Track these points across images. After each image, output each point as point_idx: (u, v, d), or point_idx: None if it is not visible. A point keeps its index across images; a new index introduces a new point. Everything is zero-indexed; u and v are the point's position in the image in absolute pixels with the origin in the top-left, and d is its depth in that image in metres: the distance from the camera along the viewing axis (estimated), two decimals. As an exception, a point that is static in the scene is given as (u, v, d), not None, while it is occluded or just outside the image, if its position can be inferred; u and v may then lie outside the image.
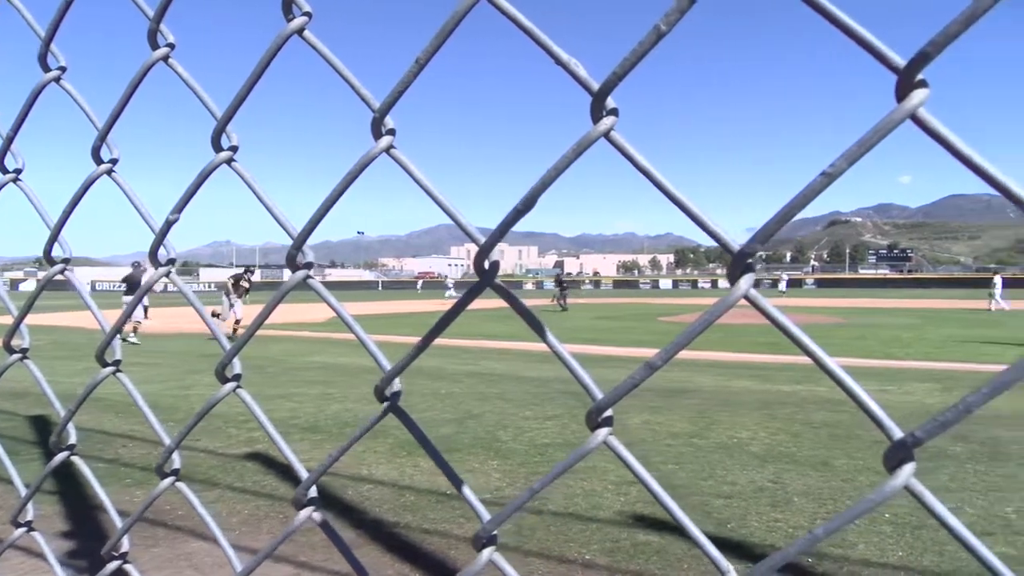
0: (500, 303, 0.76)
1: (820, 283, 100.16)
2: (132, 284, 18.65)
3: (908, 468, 0.54)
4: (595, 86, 0.64)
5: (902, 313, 32.14)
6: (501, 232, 0.71)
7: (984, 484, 5.48)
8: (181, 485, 1.09)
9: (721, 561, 0.66)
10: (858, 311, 34.51)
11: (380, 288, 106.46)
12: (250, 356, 14.35)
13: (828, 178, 0.54)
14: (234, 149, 0.94)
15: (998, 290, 33.35)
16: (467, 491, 0.79)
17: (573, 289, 52.31)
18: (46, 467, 1.27)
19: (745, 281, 0.59)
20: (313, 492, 0.91)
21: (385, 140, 0.78)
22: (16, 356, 1.29)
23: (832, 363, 0.57)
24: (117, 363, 1.13)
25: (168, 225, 1.02)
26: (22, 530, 1.34)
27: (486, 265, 0.72)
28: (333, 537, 0.91)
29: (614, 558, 4.20)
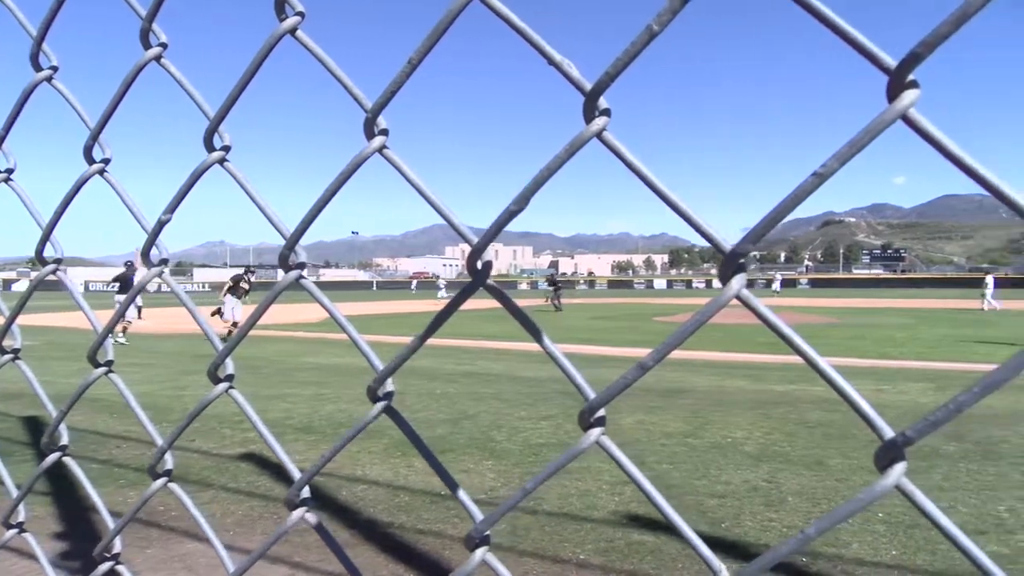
0: (496, 303, 0.76)
1: (814, 283, 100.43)
2: (124, 284, 18.59)
3: (899, 467, 0.54)
4: (588, 86, 0.64)
5: (896, 313, 32.25)
6: (494, 232, 0.71)
7: (977, 483, 5.50)
8: (174, 486, 1.08)
9: (713, 561, 0.66)
10: (852, 311, 34.62)
11: (375, 288, 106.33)
12: (244, 356, 14.32)
13: (819, 178, 0.54)
14: (227, 149, 0.94)
15: (990, 290, 33.50)
16: (460, 491, 0.79)
17: (567, 289, 52.30)
18: (38, 468, 1.27)
19: (737, 281, 0.59)
20: (306, 493, 0.91)
21: (378, 140, 0.78)
22: (8, 356, 1.28)
23: (823, 363, 0.57)
24: (109, 364, 1.12)
25: (160, 225, 1.02)
26: (13, 531, 1.33)
27: (479, 265, 0.72)
28: (326, 537, 0.91)
29: (608, 558, 4.21)
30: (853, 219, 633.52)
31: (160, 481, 1.08)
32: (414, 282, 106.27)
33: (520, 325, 0.74)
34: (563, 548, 4.36)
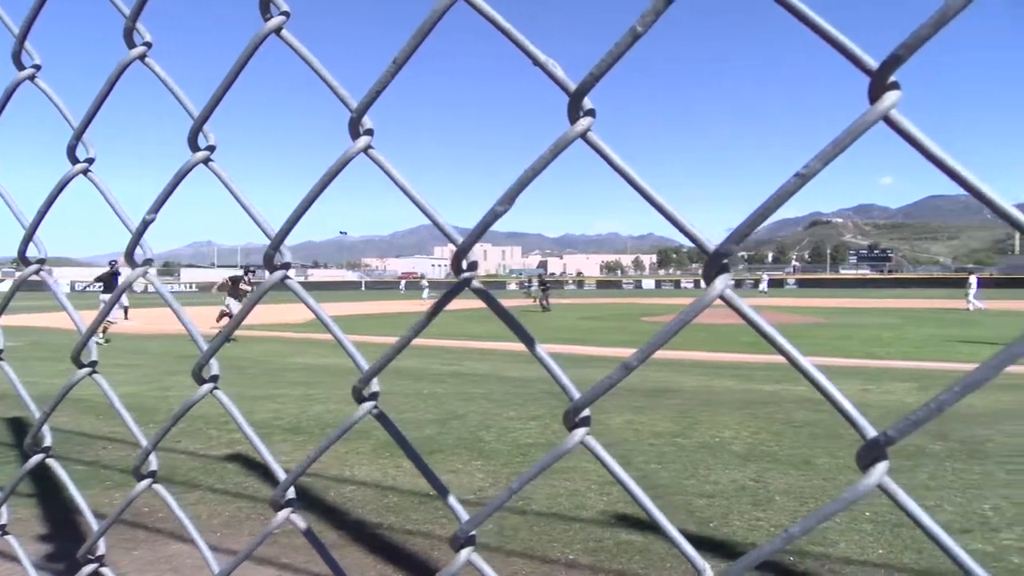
0: (480, 303, 0.76)
1: (801, 283, 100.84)
2: (108, 283, 18.47)
3: (881, 467, 0.55)
4: (572, 87, 0.64)
5: (882, 313, 32.45)
6: (479, 233, 0.71)
7: (962, 482, 5.54)
8: (159, 487, 1.08)
9: (697, 560, 0.66)
10: (839, 311, 34.79)
11: (363, 288, 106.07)
12: (232, 357, 14.27)
13: (802, 179, 0.54)
14: (211, 149, 0.94)
15: (973, 290, 33.75)
16: (445, 491, 0.79)
17: (555, 289, 52.33)
18: (20, 470, 1.26)
19: (721, 281, 0.60)
20: (291, 493, 0.91)
21: (363, 140, 0.78)
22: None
23: (806, 362, 0.58)
24: (93, 364, 1.12)
25: (144, 225, 1.01)
26: (-3, 534, 1.32)
27: (464, 265, 0.72)
28: (311, 538, 0.91)
29: (597, 557, 4.21)
30: (840, 219, 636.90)
31: (145, 482, 1.07)
32: (403, 282, 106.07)
33: (506, 326, 0.74)
34: (552, 548, 4.36)
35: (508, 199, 0.67)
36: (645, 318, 30.18)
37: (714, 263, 0.60)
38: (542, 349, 0.71)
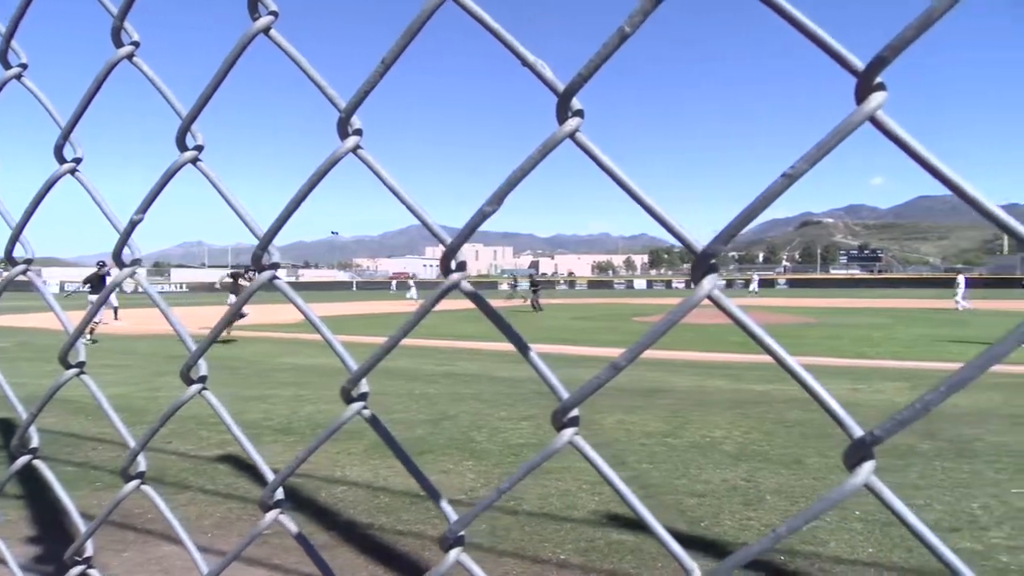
0: (469, 303, 0.76)
1: (792, 283, 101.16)
2: (96, 284, 18.39)
3: (868, 466, 0.55)
4: (560, 87, 0.64)
5: (873, 313, 32.59)
6: (468, 233, 0.71)
7: (951, 481, 5.57)
8: (147, 488, 1.07)
9: (685, 560, 0.66)
10: (829, 311, 34.93)
11: (354, 288, 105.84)
12: (222, 357, 14.23)
13: (789, 179, 0.54)
14: (199, 148, 0.94)
15: (961, 290, 33.92)
16: (433, 491, 0.79)
17: (547, 289, 52.39)
18: (7, 472, 1.25)
19: (708, 281, 0.60)
20: (280, 494, 0.90)
21: (352, 140, 0.78)
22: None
23: (793, 362, 0.58)
24: (81, 365, 1.11)
25: (132, 225, 1.01)
26: (-16, 535, 1.31)
27: (453, 265, 0.72)
28: (301, 540, 0.91)
29: (588, 557, 4.21)
30: (831, 220, 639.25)
31: (133, 483, 1.07)
32: (393, 282, 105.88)
33: (495, 326, 0.74)
34: (543, 548, 4.36)
35: (497, 199, 0.67)
36: (636, 318, 30.23)
37: (702, 263, 0.60)
38: (532, 350, 0.71)
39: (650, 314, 32.48)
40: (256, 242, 0.87)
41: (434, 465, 6.09)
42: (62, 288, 64.52)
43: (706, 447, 6.73)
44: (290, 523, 0.91)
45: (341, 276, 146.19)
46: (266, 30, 0.83)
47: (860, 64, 0.53)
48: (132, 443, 1.06)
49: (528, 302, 37.62)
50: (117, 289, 1.14)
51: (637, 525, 4.60)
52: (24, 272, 1.19)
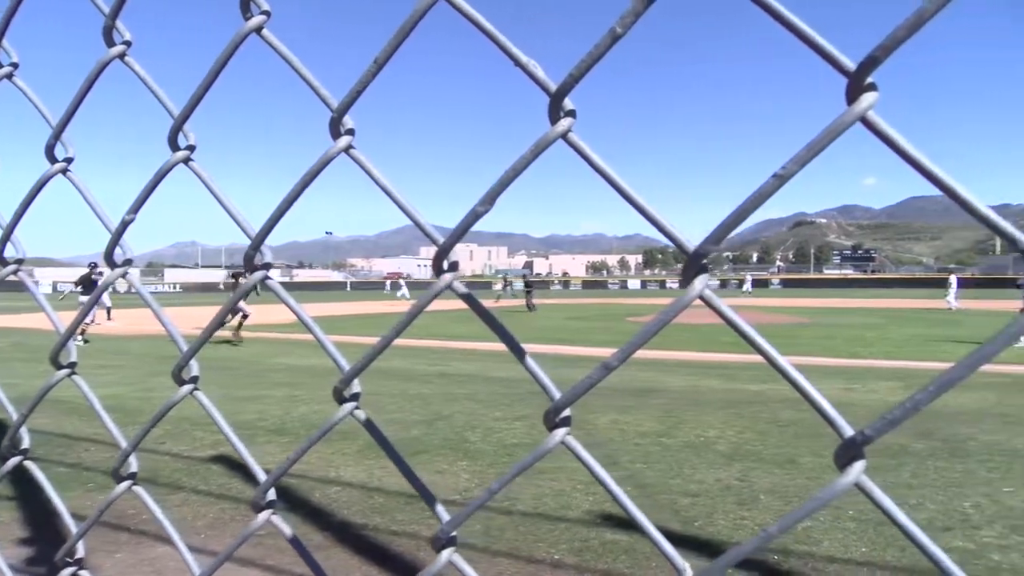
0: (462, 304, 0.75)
1: (786, 283, 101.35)
2: (88, 285, 18.35)
3: (858, 466, 0.55)
4: (553, 87, 0.64)
5: (866, 313, 32.69)
6: (460, 233, 0.71)
7: (944, 480, 5.59)
8: (138, 489, 1.07)
9: (677, 560, 0.66)
10: (823, 311, 35.01)
11: (349, 288, 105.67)
12: (217, 358, 14.20)
13: (780, 180, 0.54)
14: (191, 148, 0.93)
15: (953, 289, 34.06)
16: (424, 490, 0.79)
17: (541, 289, 52.47)
18: (-2, 473, 1.25)
19: (700, 281, 0.60)
20: (272, 495, 0.90)
21: (344, 140, 0.78)
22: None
23: (784, 362, 0.58)
24: (72, 365, 1.11)
25: (124, 225, 1.00)
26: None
27: (445, 266, 0.72)
28: (295, 544, 0.91)
29: (583, 557, 4.22)
30: (824, 220, 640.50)
31: (124, 484, 1.07)
32: (388, 282, 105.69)
33: (487, 326, 0.74)
34: (537, 548, 4.36)
35: (489, 199, 0.67)
36: (630, 318, 30.26)
37: (693, 263, 0.60)
38: (526, 350, 0.71)
39: (644, 314, 32.51)
40: (249, 242, 0.87)
41: (429, 465, 6.09)
42: (55, 288, 64.32)
43: (700, 447, 6.74)
44: (282, 524, 0.91)
45: (336, 276, 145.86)
46: (258, 29, 0.83)
47: (851, 64, 0.53)
48: (124, 444, 1.05)
49: (524, 302, 37.58)
50: (111, 289, 1.14)
51: (631, 525, 4.59)
52: (15, 272, 1.18)
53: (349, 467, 6.05)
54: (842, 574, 3.97)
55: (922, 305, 38.16)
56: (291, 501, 5.18)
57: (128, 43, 0.98)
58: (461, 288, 0.74)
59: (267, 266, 0.87)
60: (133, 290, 1.05)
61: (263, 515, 0.90)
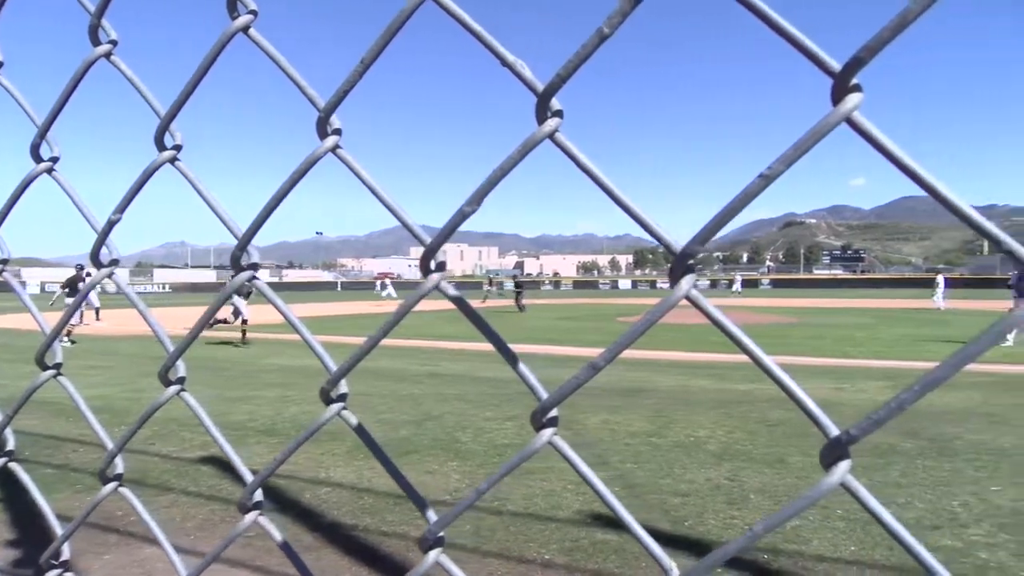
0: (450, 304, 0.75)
1: (775, 283, 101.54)
2: (74, 287, 18.26)
3: (843, 465, 0.55)
4: (540, 87, 0.64)
5: (855, 313, 32.82)
6: (447, 233, 0.71)
7: (932, 479, 5.62)
8: (124, 490, 1.06)
9: (664, 559, 0.66)
10: (813, 311, 35.13)
11: (339, 288, 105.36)
12: (208, 358, 14.14)
13: (766, 180, 0.54)
14: (178, 148, 0.93)
15: (940, 289, 34.26)
16: (411, 490, 0.79)
17: (531, 289, 52.56)
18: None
19: (687, 281, 0.60)
20: (259, 496, 0.90)
21: (331, 140, 0.78)
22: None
23: (770, 361, 0.58)
24: (58, 366, 1.10)
25: (110, 225, 1.00)
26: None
27: (432, 266, 0.72)
28: (285, 548, 0.90)
29: (573, 557, 4.22)
30: (814, 220, 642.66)
31: (110, 486, 1.06)
32: (378, 282, 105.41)
33: (474, 326, 0.74)
34: (528, 548, 4.36)
35: (476, 199, 0.67)
36: (621, 318, 30.29)
37: (680, 264, 0.60)
38: (510, 347, 0.71)
39: (634, 314, 32.55)
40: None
41: (419, 466, 6.09)
42: (43, 289, 63.96)
43: (690, 446, 6.76)
44: (269, 525, 0.91)
45: (326, 276, 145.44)
46: (245, 29, 0.83)
47: (836, 65, 0.53)
48: (110, 445, 1.05)
49: (513, 302, 37.54)
50: (99, 289, 1.13)
51: (621, 525, 4.60)
52: (0, 273, 1.18)
53: (339, 468, 6.04)
54: (831, 573, 3.99)
55: (911, 305, 38.34)
56: (281, 502, 5.16)
57: (114, 42, 0.97)
58: (450, 290, 0.74)
59: (253, 266, 0.86)
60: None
61: (249, 516, 0.90)
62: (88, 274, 18.35)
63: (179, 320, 15.25)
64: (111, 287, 1.07)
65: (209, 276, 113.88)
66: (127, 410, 8.55)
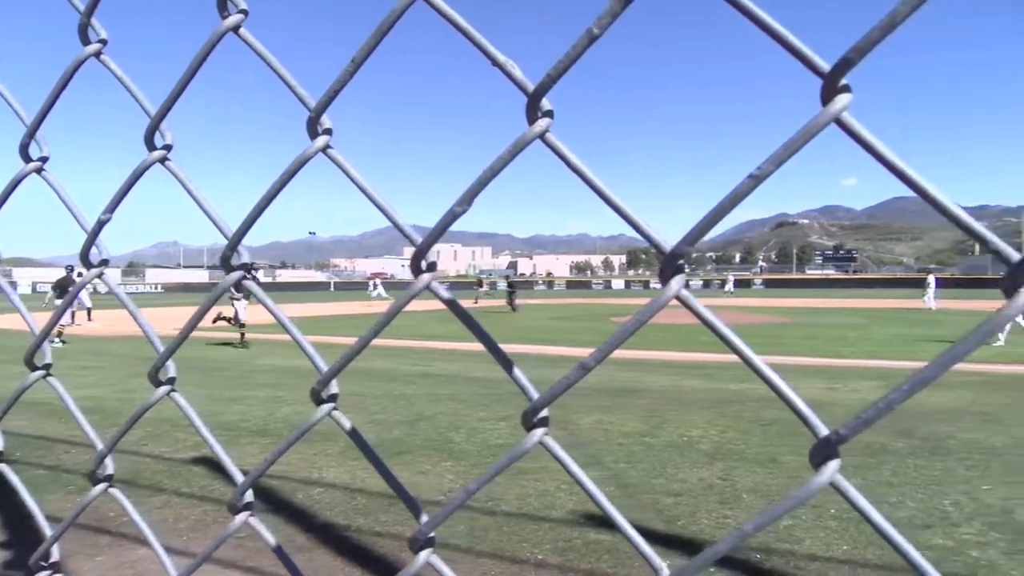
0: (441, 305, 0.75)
1: (768, 283, 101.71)
2: (64, 289, 18.22)
3: (833, 465, 0.55)
4: (530, 87, 0.64)
5: (848, 313, 32.92)
6: (438, 233, 0.71)
7: (924, 478, 5.64)
8: (115, 491, 1.06)
9: (654, 559, 0.66)
10: (805, 311, 35.21)
11: (332, 289, 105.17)
12: (200, 358, 14.10)
13: (755, 180, 0.55)
14: (168, 148, 0.93)
15: (931, 289, 34.40)
16: (401, 490, 0.79)
17: (525, 289, 52.57)
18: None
19: (676, 282, 0.60)
20: (249, 496, 0.90)
21: (321, 140, 0.78)
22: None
23: (759, 361, 0.58)
24: (47, 367, 1.09)
25: (100, 225, 0.99)
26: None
27: (423, 266, 0.72)
28: (276, 549, 0.90)
29: (566, 557, 4.22)
30: (806, 221, 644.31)
31: (101, 486, 1.06)
32: (371, 282, 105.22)
33: (465, 326, 0.74)
34: (521, 548, 4.36)
35: (467, 199, 0.67)
36: (614, 318, 30.32)
37: (670, 264, 0.60)
38: (500, 348, 0.71)
39: (627, 314, 32.44)
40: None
41: (411, 466, 6.08)
42: (35, 289, 63.62)
43: (683, 446, 6.77)
44: (260, 525, 0.91)
45: (319, 276, 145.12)
46: (235, 28, 0.82)
47: (826, 66, 0.53)
48: (100, 446, 1.04)
49: (506, 302, 37.50)
50: (91, 290, 1.13)
51: (614, 525, 4.61)
52: (-11, 273, 1.17)
53: (331, 468, 6.03)
54: (824, 572, 4.00)
55: (903, 305, 38.48)
56: (274, 502, 5.15)
57: (104, 41, 0.97)
58: (441, 291, 0.74)
59: (244, 266, 0.86)
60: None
61: (240, 517, 0.89)
62: (79, 275, 18.28)
63: (170, 320, 15.21)
64: (102, 287, 1.07)
65: (202, 276, 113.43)
66: (118, 411, 8.52)
